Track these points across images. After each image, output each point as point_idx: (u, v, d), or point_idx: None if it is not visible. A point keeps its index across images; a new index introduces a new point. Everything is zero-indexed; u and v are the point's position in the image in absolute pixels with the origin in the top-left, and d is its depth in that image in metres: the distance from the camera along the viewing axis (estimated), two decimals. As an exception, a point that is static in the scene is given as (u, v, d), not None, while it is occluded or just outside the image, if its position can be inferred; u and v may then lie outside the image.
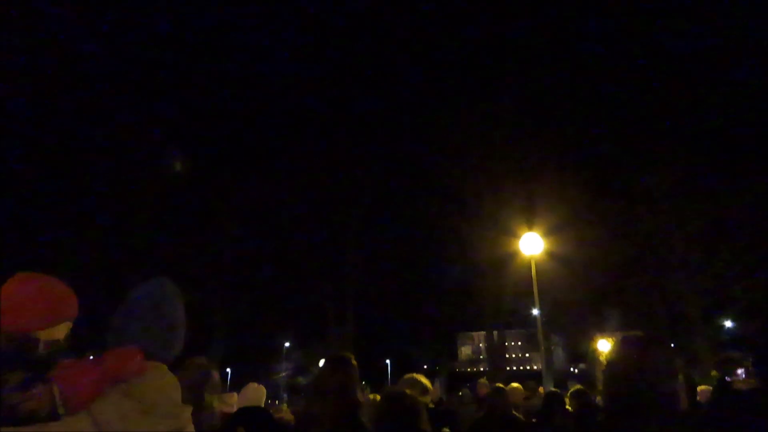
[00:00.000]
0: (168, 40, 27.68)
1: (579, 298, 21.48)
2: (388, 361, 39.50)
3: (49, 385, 1.26)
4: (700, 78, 21.09)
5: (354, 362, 2.47)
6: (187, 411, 1.55)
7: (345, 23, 39.50)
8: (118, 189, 21.36)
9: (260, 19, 36.54)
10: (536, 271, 12.49)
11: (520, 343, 55.90)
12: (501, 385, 5.12)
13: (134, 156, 21.74)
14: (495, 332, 25.84)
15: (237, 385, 15.97)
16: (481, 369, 40.76)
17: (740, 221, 18.64)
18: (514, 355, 57.22)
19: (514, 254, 18.24)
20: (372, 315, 27.29)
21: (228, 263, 24.97)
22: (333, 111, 27.98)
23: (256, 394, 3.86)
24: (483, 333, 30.36)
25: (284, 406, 12.00)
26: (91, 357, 1.49)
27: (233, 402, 4.09)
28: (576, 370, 34.45)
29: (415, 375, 3.80)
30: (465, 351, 57.81)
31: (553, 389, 6.09)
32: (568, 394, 5.10)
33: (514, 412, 4.74)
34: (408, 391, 2.60)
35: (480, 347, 50.89)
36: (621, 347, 1.75)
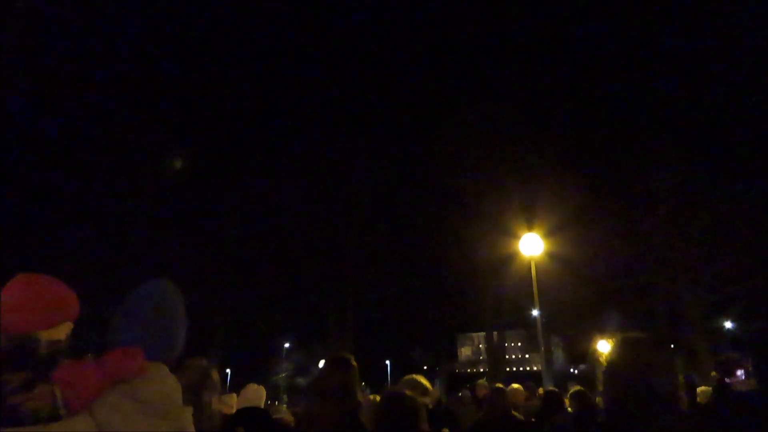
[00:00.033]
0: (168, 39, 27.62)
1: (579, 298, 21.46)
2: (388, 362, 39.48)
3: (50, 385, 1.26)
4: (700, 78, 21.12)
5: (354, 363, 2.47)
6: (188, 412, 1.55)
7: (345, 23, 39.54)
8: (118, 188, 21.35)
9: (260, 19, 36.53)
10: (536, 272, 12.51)
11: (520, 343, 55.78)
12: (501, 385, 5.11)
13: (134, 155, 21.73)
14: (495, 333, 25.81)
15: (237, 385, 15.91)
16: (481, 370, 40.65)
17: (740, 221, 18.65)
18: (513, 356, 57.20)
19: (514, 255, 18.21)
20: (372, 315, 27.25)
21: (228, 263, 24.97)
22: (333, 111, 27.93)
23: (255, 394, 3.86)
24: (483, 334, 30.29)
25: (284, 407, 12.00)
26: (91, 357, 1.48)
27: (233, 403, 4.10)
28: (576, 371, 34.36)
29: (415, 376, 3.79)
30: (465, 352, 57.81)
31: (551, 389, 6.08)
32: (568, 395, 5.09)
33: (514, 413, 4.74)
34: (408, 392, 2.60)
35: (480, 348, 50.82)
36: (621, 348, 1.75)
